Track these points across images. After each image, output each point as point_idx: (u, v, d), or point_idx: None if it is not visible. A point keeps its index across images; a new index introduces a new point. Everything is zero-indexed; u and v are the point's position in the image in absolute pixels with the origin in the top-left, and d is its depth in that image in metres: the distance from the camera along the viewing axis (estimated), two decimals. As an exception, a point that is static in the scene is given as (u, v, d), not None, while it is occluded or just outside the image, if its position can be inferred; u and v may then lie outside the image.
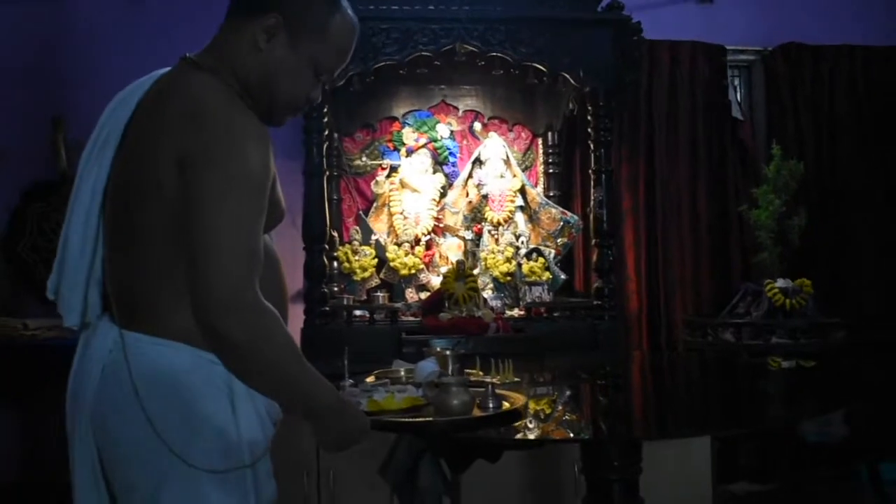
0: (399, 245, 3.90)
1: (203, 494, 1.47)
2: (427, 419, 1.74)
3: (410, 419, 1.75)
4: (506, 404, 1.80)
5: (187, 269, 1.41)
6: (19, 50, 4.17)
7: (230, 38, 1.59)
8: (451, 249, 3.97)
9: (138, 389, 1.45)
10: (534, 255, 3.83)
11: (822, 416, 3.35)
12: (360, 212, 4.06)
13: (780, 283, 3.77)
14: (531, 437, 1.87)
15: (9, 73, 4.11)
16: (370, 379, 2.19)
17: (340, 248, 3.84)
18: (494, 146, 4.00)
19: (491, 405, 1.77)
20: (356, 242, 3.90)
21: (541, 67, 3.45)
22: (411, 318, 3.56)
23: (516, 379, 2.20)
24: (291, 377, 1.49)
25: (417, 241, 3.94)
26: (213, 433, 1.48)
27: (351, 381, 2.11)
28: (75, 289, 1.58)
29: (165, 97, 1.52)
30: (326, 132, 3.48)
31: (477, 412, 1.74)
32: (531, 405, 1.93)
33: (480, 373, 2.27)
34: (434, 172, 4.04)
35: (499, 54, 3.40)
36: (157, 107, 1.52)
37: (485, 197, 3.97)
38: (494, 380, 2.13)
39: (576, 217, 3.94)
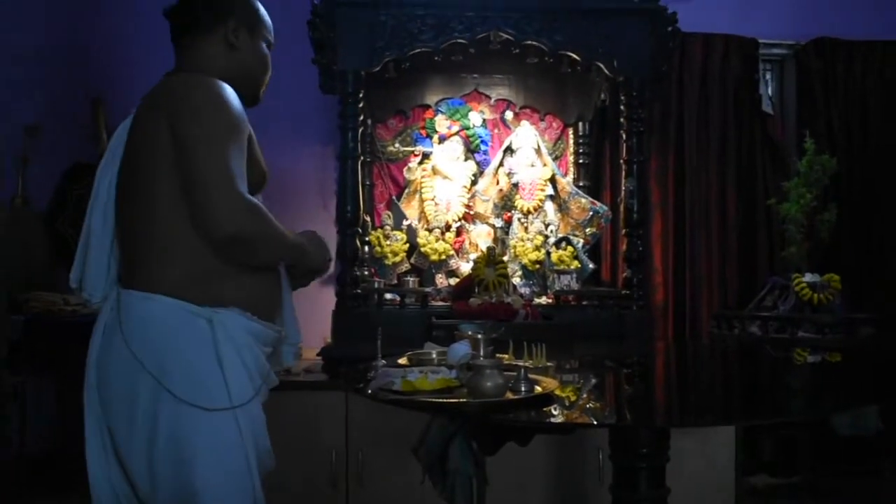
0: (430, 231, 3.87)
1: (195, 425, 1.63)
2: (460, 400, 1.72)
3: (444, 400, 1.73)
4: (538, 388, 1.78)
5: (191, 203, 1.66)
6: (59, 31, 4.19)
7: (200, 50, 1.91)
8: (480, 236, 3.95)
9: (125, 336, 1.66)
10: (563, 243, 3.80)
11: (853, 409, 3.29)
12: (393, 197, 4.04)
13: (808, 277, 3.71)
14: (562, 421, 1.84)
15: (49, 53, 4.13)
16: (403, 360, 2.18)
17: (372, 232, 3.82)
18: (525, 135, 3.96)
19: (523, 388, 1.75)
20: (388, 227, 3.88)
21: (575, 56, 3.41)
22: (441, 303, 3.55)
23: (549, 363, 2.17)
24: (285, 243, 1.81)
25: (448, 228, 3.91)
26: (197, 372, 1.66)
27: (384, 361, 2.09)
28: (99, 268, 1.82)
29: (156, 97, 1.79)
30: (361, 118, 3.45)
31: (509, 395, 1.72)
32: (560, 391, 1.90)
33: (510, 356, 2.25)
34: (465, 160, 4.01)
35: (533, 43, 3.37)
36: (151, 106, 1.78)
37: (515, 185, 3.93)
38: (527, 363, 2.10)
39: (605, 207, 3.90)
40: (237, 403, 1.66)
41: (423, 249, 3.82)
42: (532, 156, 3.94)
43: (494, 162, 3.99)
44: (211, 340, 1.68)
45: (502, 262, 3.52)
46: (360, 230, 3.46)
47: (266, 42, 2.01)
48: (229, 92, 1.78)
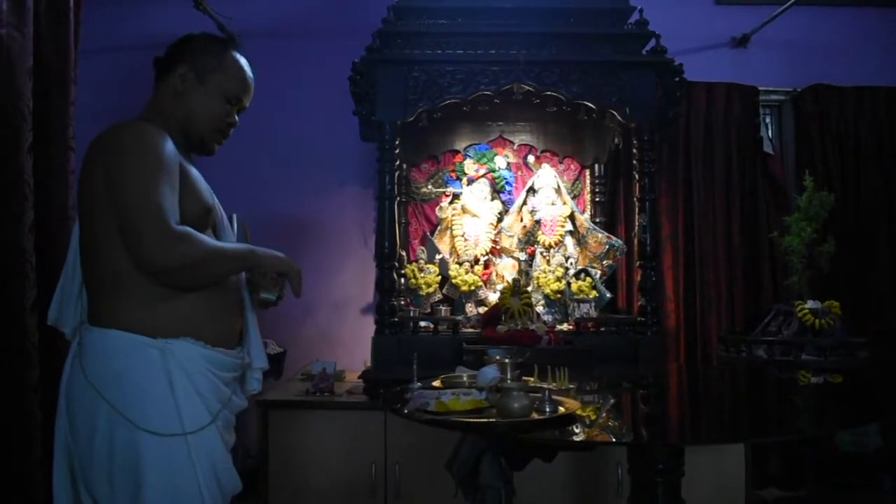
0: (460, 264, 3.87)
1: (143, 449, 1.57)
2: (489, 420, 1.70)
3: (475, 420, 1.71)
4: (561, 409, 1.76)
5: (125, 239, 1.61)
6: (135, 90, 4.20)
7: (158, 95, 1.86)
8: (506, 269, 3.93)
9: (84, 367, 1.62)
10: (582, 275, 3.78)
11: (854, 427, 3.22)
12: (427, 234, 4.05)
13: (810, 304, 3.64)
14: (584, 439, 1.81)
15: (126, 110, 4.15)
16: (436, 383, 2.16)
17: (408, 265, 3.83)
18: (546, 176, 3.96)
19: (547, 409, 1.73)
20: (422, 261, 3.89)
21: (590, 105, 3.41)
22: (470, 330, 3.53)
23: (571, 385, 2.14)
24: (226, 257, 1.72)
25: (476, 261, 3.91)
26: (149, 400, 1.60)
27: (419, 384, 2.08)
28: (69, 310, 1.79)
29: (94, 142, 1.71)
30: (397, 163, 3.48)
31: (535, 415, 1.70)
32: (581, 411, 1.88)
33: (535, 379, 2.23)
34: (492, 199, 4.02)
35: (552, 93, 3.38)
36: (89, 151, 1.71)
37: (537, 222, 3.92)
38: (550, 386, 2.08)
39: (620, 241, 3.87)
40: (189, 430, 1.61)
41: (454, 281, 3.82)
42: (552, 195, 3.93)
43: (518, 201, 4.00)
44: (163, 369, 1.62)
45: (527, 292, 3.50)
46: (396, 264, 3.47)
47: (224, 93, 1.87)
48: (154, 134, 1.69)
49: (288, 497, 3.11)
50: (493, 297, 3.80)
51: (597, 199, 4.13)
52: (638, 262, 3.48)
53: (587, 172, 4.17)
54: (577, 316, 3.63)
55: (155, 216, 1.57)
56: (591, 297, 3.68)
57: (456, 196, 4.04)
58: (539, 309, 3.70)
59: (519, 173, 4.13)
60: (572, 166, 4.18)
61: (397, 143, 3.40)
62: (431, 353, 3.15)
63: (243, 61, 1.93)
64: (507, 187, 4.06)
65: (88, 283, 1.73)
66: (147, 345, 1.62)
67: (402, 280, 3.75)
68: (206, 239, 1.68)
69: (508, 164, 4.09)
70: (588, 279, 3.74)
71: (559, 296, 3.75)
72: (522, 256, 3.94)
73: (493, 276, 3.95)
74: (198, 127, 1.85)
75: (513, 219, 3.98)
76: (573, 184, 4.16)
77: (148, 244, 1.56)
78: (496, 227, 3.97)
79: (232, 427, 1.79)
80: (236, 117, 1.93)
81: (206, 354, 1.70)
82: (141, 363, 1.61)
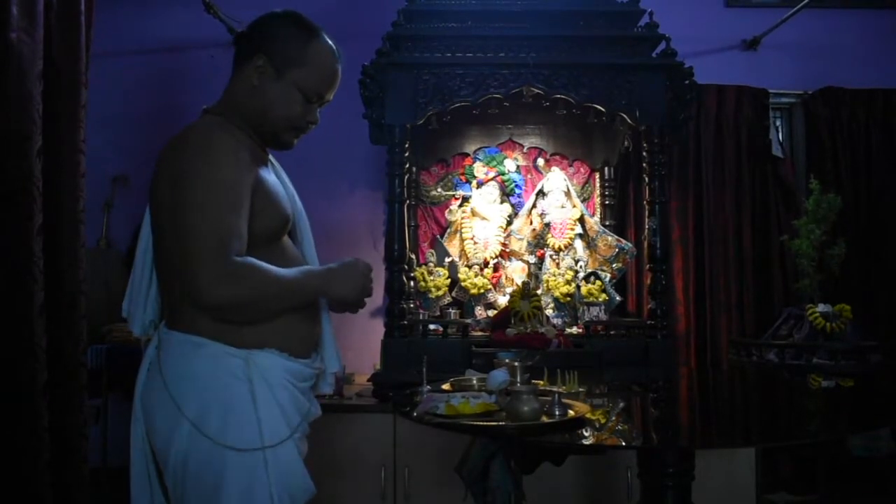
0: (469, 267, 3.87)
1: (219, 466, 1.52)
2: (499, 423, 1.70)
3: (485, 423, 1.71)
4: (571, 412, 1.76)
5: (179, 270, 1.52)
6: (145, 93, 4.28)
7: (234, 85, 1.73)
8: (516, 272, 3.93)
9: (165, 378, 1.57)
10: (591, 278, 3.77)
11: (866, 432, 3.20)
12: (436, 237, 4.05)
13: (821, 307, 3.62)
14: (594, 442, 1.81)
15: (136, 113, 4.22)
16: (446, 386, 2.16)
17: (417, 268, 3.83)
18: (556, 179, 3.96)
19: (557, 412, 1.73)
20: (431, 264, 3.89)
21: (600, 108, 3.41)
22: (480, 333, 3.53)
23: (580, 389, 2.14)
24: (284, 294, 1.60)
25: (486, 264, 3.90)
26: (230, 413, 1.54)
27: (429, 387, 2.08)
28: (138, 307, 1.73)
29: (165, 150, 1.64)
30: (407, 165, 3.48)
31: (544, 418, 1.70)
32: (591, 415, 1.87)
33: (544, 382, 2.22)
34: (501, 203, 4.02)
35: (562, 96, 3.38)
36: (160, 161, 1.64)
37: (547, 225, 3.92)
38: (560, 389, 2.07)
39: (630, 244, 3.86)
40: (268, 444, 1.54)
41: (463, 284, 3.81)
42: (562, 198, 3.93)
43: (528, 204, 3.99)
44: (246, 381, 1.55)
45: (536, 295, 3.49)
46: (406, 267, 3.47)
47: (303, 90, 1.71)
48: (224, 144, 1.57)
49: (297, 500, 3.10)
50: (502, 301, 3.79)
51: (606, 202, 4.12)
52: (648, 266, 3.47)
53: (597, 175, 4.17)
54: (587, 319, 3.62)
55: (210, 250, 1.47)
56: (600, 300, 3.67)
57: (465, 199, 4.05)
58: (548, 312, 3.69)
59: (528, 176, 4.13)
60: (582, 169, 4.18)
61: (407, 146, 3.40)
62: (441, 356, 3.15)
63: (330, 52, 1.75)
64: (517, 190, 4.06)
65: (164, 285, 1.68)
66: (230, 354, 1.56)
67: (412, 283, 3.75)
68: (269, 274, 1.56)
69: (518, 166, 4.09)
70: (598, 282, 3.73)
71: (569, 299, 3.74)
72: (532, 259, 3.93)
73: (503, 280, 3.94)
74: (271, 124, 1.71)
75: (522, 222, 3.98)
76: (583, 187, 4.16)
77: (196, 280, 1.47)
78: (506, 230, 3.97)
79: (306, 437, 1.72)
80: (317, 114, 1.77)
81: (288, 366, 1.63)
82: (223, 372, 1.56)
